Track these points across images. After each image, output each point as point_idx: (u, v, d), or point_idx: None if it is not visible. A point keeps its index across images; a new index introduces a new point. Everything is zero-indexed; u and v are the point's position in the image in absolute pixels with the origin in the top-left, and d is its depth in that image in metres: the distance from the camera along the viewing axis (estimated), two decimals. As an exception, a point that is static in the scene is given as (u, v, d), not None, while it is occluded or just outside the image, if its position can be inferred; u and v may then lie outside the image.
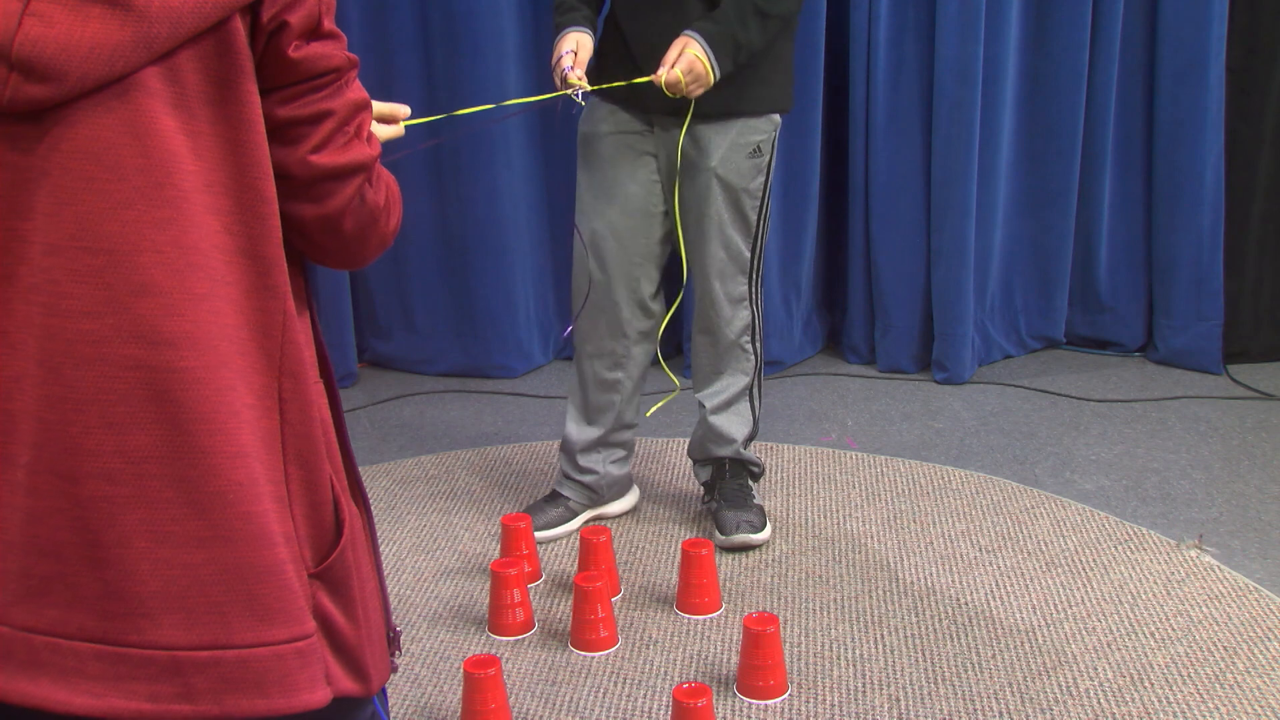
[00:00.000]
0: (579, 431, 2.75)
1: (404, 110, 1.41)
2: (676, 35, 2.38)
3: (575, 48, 2.41)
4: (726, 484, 2.75)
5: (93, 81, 0.99)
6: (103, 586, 0.97)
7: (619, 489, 2.85)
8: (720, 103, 2.46)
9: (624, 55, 2.50)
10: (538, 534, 2.69)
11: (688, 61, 2.34)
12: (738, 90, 2.47)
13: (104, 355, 0.98)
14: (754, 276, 2.62)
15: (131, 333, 0.98)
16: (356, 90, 1.12)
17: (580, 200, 2.63)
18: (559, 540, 2.74)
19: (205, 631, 0.99)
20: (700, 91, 2.38)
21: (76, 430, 0.98)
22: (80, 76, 0.98)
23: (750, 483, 2.79)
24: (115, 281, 0.99)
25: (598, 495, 2.80)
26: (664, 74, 2.35)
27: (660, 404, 2.92)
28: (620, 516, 2.85)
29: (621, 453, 2.80)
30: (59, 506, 0.98)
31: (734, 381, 2.70)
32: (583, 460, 2.75)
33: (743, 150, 2.53)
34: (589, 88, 2.37)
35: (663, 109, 2.48)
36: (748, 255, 2.60)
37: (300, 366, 1.07)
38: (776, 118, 2.60)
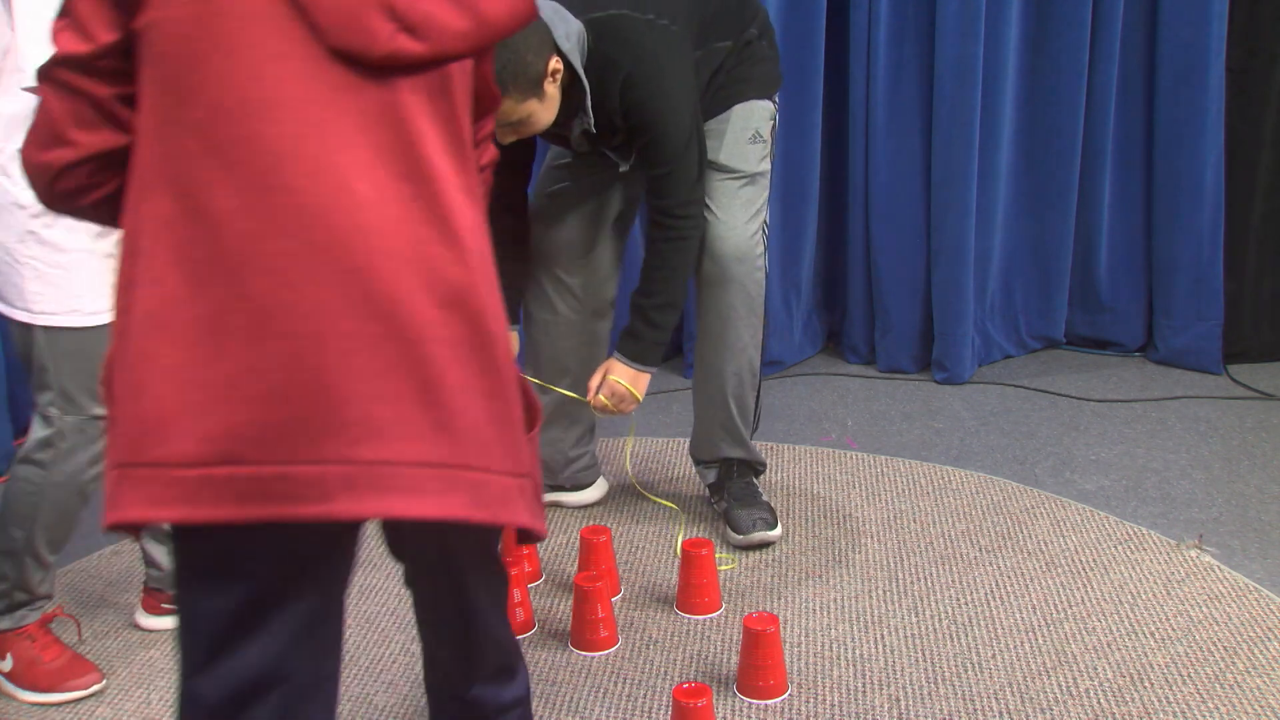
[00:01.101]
0: None
1: None
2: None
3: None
4: (734, 483, 2.76)
5: (447, 54, 1.24)
6: (431, 424, 1.20)
7: (580, 475, 2.90)
8: (710, 104, 2.53)
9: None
10: (769, 534, 2.70)
11: (609, 388, 2.51)
12: (722, 90, 2.55)
13: (425, 255, 1.22)
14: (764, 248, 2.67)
15: (445, 241, 1.24)
16: None
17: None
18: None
19: (490, 459, 1.25)
20: (632, 408, 2.54)
21: (410, 310, 1.20)
22: (443, 46, 1.23)
23: (755, 480, 2.79)
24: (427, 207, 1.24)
25: (550, 473, 2.86)
26: (591, 401, 2.54)
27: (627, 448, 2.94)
28: (581, 508, 2.90)
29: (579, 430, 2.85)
30: (399, 364, 1.19)
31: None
32: None
33: (745, 136, 2.58)
34: (538, 382, 2.63)
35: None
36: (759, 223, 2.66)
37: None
38: (768, 104, 2.62)
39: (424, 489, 1.19)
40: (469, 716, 1.51)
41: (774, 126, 2.66)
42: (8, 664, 2.24)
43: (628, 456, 2.85)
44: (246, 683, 1.25)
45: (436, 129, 1.25)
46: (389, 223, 1.20)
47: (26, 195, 2.02)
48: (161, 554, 2.41)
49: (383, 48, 1.19)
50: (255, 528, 1.18)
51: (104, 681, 2.26)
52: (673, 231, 2.43)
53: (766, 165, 2.64)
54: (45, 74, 1.25)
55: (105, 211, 1.30)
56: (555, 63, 2.24)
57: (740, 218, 2.57)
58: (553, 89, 2.27)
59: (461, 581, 1.46)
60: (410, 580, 1.52)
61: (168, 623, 2.46)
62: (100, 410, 2.14)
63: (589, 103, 2.34)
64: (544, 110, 2.29)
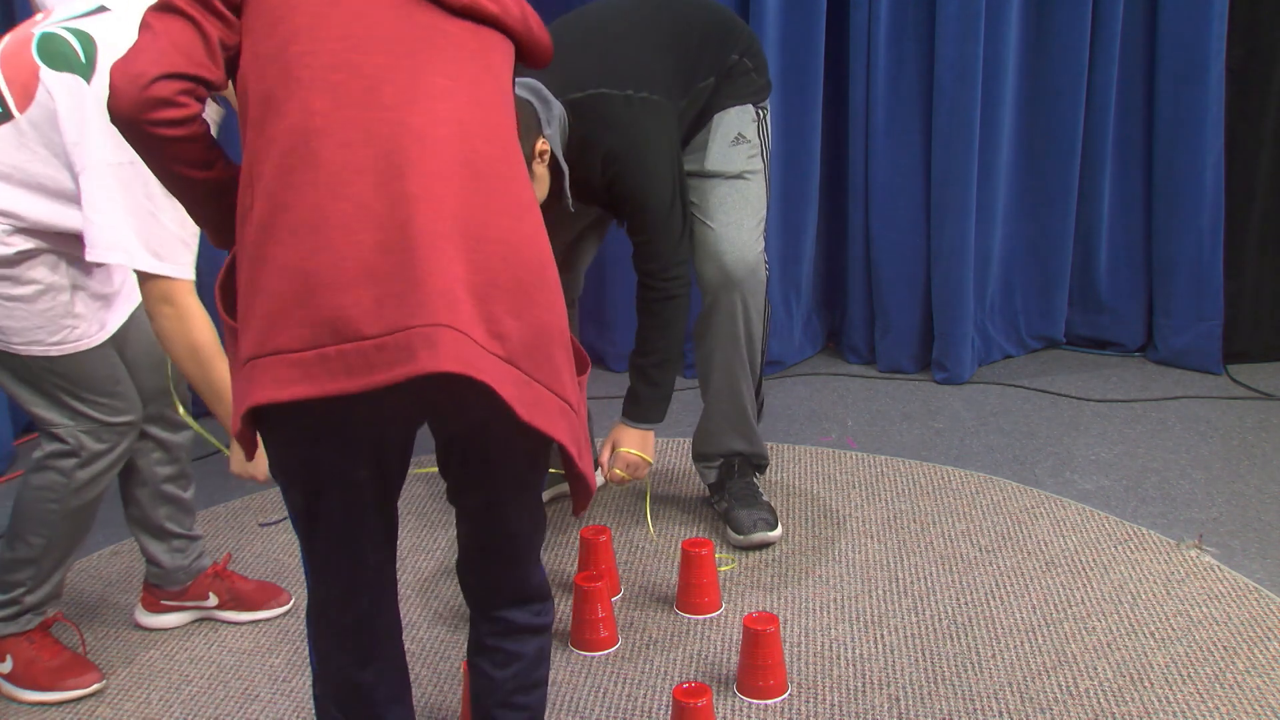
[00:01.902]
0: None
1: None
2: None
3: None
4: (735, 482, 2.76)
5: (507, 23, 1.54)
6: (489, 321, 1.38)
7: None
8: (691, 128, 2.60)
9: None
10: (770, 534, 2.71)
11: (621, 460, 2.56)
12: (702, 114, 2.60)
13: (507, 185, 1.46)
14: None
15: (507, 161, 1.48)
16: None
17: None
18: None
19: (538, 371, 1.42)
20: (645, 471, 2.58)
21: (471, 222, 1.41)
22: (507, 13, 1.54)
23: (756, 479, 2.79)
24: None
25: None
26: (602, 478, 2.56)
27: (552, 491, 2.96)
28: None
29: None
30: (466, 259, 1.38)
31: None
32: None
33: (727, 140, 2.61)
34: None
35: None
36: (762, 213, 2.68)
37: None
38: (749, 108, 2.65)
39: (485, 361, 1.35)
40: (496, 630, 1.64)
41: (761, 128, 2.67)
42: (7, 665, 2.24)
43: (648, 513, 2.88)
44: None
45: (498, 80, 1.50)
46: (462, 141, 1.42)
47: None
48: (161, 551, 2.42)
49: None
50: (353, 406, 1.36)
51: (104, 681, 2.27)
52: (661, 293, 2.49)
53: (757, 164, 2.65)
54: (167, 4, 1.43)
55: (176, 134, 1.41)
56: (542, 144, 2.29)
57: (736, 219, 2.58)
58: (541, 169, 2.32)
59: (500, 501, 1.57)
60: (454, 497, 1.62)
61: (168, 620, 2.46)
62: (109, 418, 2.16)
63: (567, 184, 2.39)
64: (535, 189, 2.35)
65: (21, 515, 2.19)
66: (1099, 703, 2.11)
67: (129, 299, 2.25)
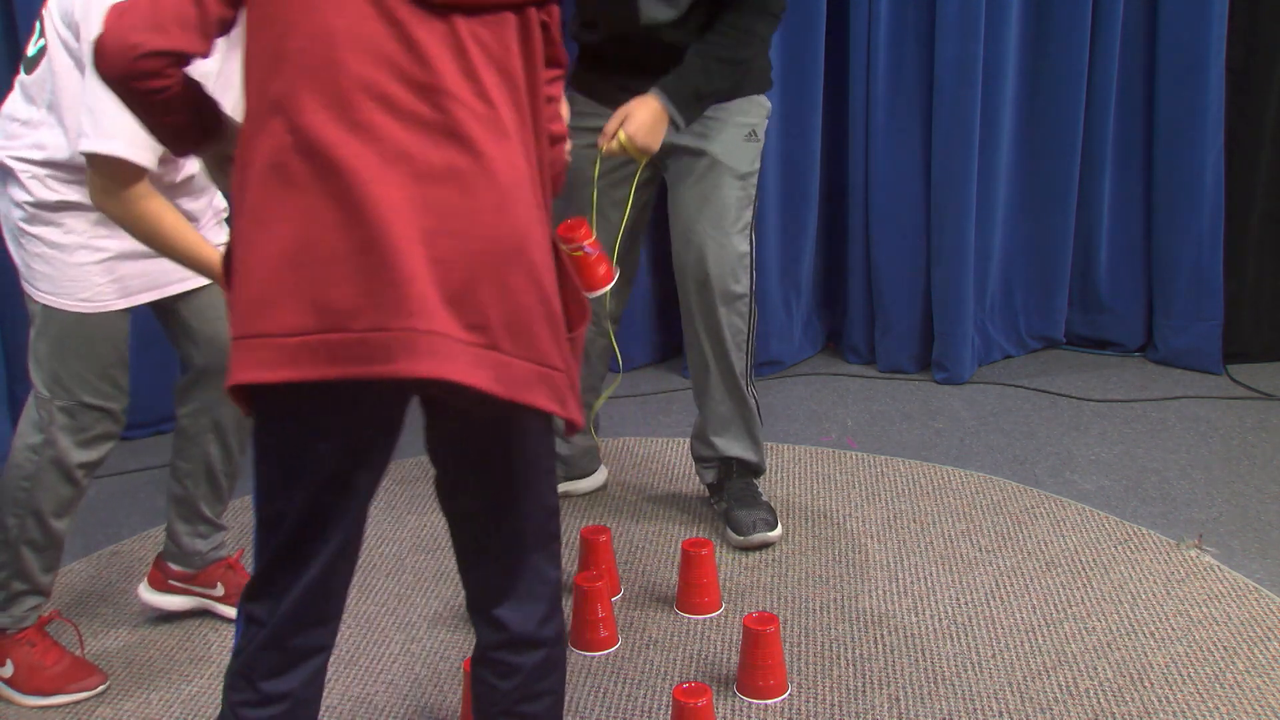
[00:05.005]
0: None
1: None
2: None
3: None
4: (734, 483, 2.76)
5: (497, 1, 1.46)
6: (468, 312, 1.40)
7: (588, 463, 2.94)
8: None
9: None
10: (770, 534, 2.70)
11: (618, 136, 2.42)
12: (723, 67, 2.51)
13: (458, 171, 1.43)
14: (752, 262, 2.64)
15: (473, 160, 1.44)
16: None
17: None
18: None
19: (518, 347, 1.43)
20: (640, 158, 2.46)
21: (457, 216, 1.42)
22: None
23: (754, 479, 2.79)
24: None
25: (568, 467, 2.88)
26: (604, 146, 2.45)
27: (607, 392, 2.89)
28: (589, 494, 2.95)
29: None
30: (452, 260, 1.40)
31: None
32: None
33: (741, 133, 2.58)
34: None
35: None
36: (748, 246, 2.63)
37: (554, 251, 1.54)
38: (765, 100, 2.63)
39: (460, 358, 1.39)
40: (498, 640, 1.59)
41: (766, 127, 2.66)
42: (8, 670, 2.23)
43: (598, 403, 2.81)
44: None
45: (490, 68, 1.46)
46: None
47: (32, 187, 2.07)
48: (185, 532, 2.43)
49: None
50: (337, 391, 1.40)
51: (107, 683, 2.27)
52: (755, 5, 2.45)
53: (757, 165, 2.64)
54: None
55: (158, 103, 1.44)
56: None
57: (728, 225, 2.57)
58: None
59: (499, 502, 1.56)
60: (450, 500, 1.62)
61: (171, 601, 2.47)
62: (90, 399, 2.17)
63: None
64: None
65: (1, 495, 2.20)
66: (1099, 703, 2.11)
67: (173, 276, 2.23)
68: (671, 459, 3.19)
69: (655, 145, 2.45)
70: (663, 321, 3.99)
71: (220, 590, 2.46)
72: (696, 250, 2.57)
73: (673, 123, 2.45)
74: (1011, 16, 3.63)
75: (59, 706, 2.22)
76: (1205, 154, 3.66)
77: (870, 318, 3.91)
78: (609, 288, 2.34)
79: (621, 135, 2.42)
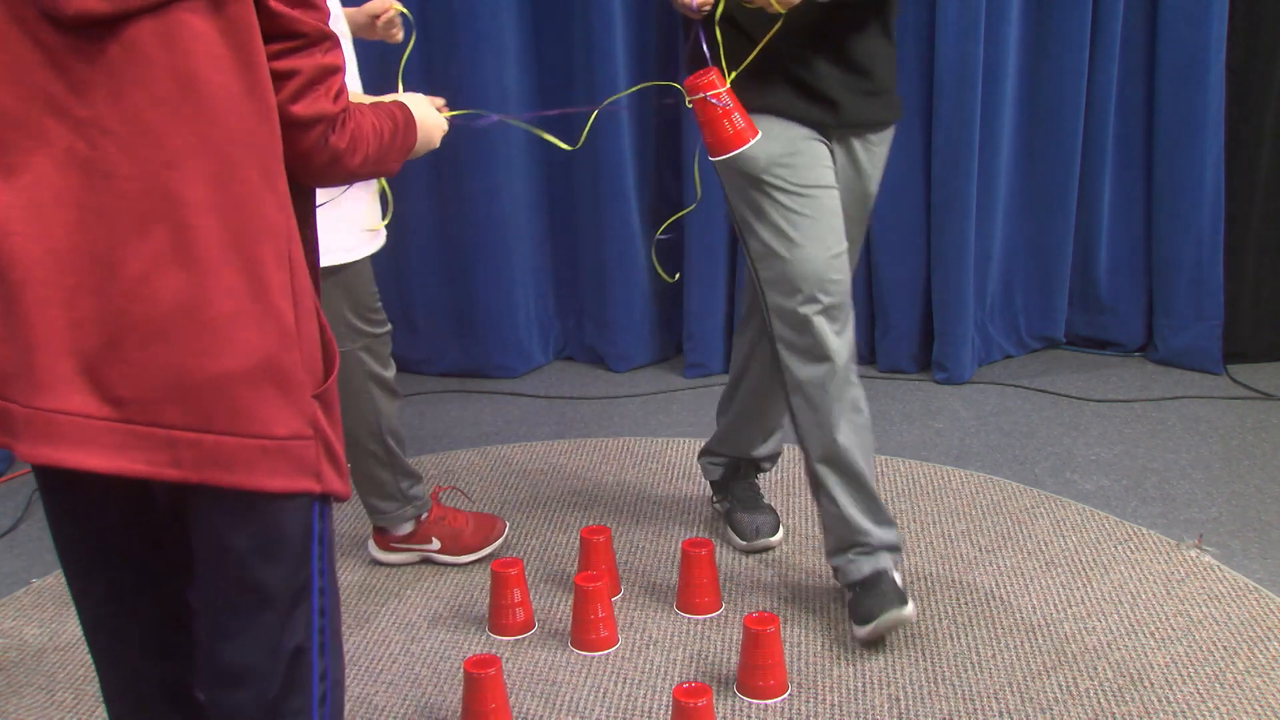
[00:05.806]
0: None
1: (440, 101, 1.75)
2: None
3: None
4: (739, 484, 2.76)
5: (129, 9, 1.20)
6: (110, 379, 1.24)
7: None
8: (883, 109, 2.35)
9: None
10: (772, 539, 2.69)
11: None
12: (890, 99, 2.36)
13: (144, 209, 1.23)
14: None
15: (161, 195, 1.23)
16: (331, 58, 1.32)
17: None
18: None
19: (194, 417, 1.26)
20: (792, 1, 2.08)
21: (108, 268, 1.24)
22: (124, 3, 1.20)
23: (758, 479, 2.80)
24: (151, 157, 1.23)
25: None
26: None
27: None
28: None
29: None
30: (93, 320, 1.24)
31: None
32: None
33: (883, 163, 2.44)
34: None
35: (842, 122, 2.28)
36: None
37: (296, 247, 1.32)
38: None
39: (97, 441, 1.24)
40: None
41: None
42: (435, 545, 2.62)
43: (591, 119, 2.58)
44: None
45: (162, 82, 1.24)
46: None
47: None
48: (378, 498, 2.60)
49: (72, 7, 1.21)
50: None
51: (508, 528, 2.70)
52: None
53: None
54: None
55: None
56: None
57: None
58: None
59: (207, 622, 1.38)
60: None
61: (398, 558, 2.67)
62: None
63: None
64: None
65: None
66: (1099, 703, 2.11)
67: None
68: (671, 459, 3.19)
69: None
70: (663, 321, 3.99)
71: (436, 544, 2.65)
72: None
73: None
74: (1011, 16, 3.62)
75: (484, 559, 2.62)
76: (1205, 154, 3.66)
77: (870, 318, 3.91)
78: (748, 147, 1.98)
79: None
